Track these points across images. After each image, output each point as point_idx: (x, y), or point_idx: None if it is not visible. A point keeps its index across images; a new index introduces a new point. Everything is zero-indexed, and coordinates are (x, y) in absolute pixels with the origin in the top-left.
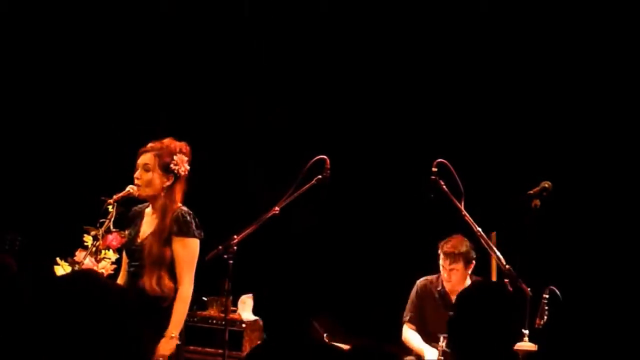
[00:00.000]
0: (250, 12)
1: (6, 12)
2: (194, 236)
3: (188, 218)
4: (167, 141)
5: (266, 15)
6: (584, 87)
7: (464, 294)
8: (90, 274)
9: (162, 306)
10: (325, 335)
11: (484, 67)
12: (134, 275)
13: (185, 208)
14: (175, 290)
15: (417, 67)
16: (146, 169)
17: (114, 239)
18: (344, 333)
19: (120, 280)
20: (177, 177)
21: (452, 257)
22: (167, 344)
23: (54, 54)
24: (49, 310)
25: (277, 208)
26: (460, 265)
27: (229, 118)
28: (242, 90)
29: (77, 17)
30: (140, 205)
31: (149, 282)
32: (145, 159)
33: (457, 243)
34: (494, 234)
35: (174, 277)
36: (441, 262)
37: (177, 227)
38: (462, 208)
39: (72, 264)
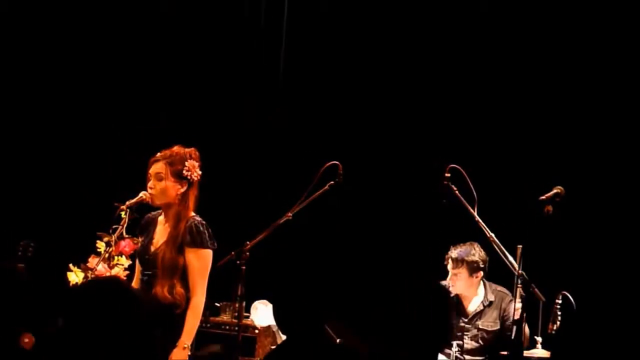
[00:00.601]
0: (250, 12)
1: (6, 13)
2: (207, 247)
3: (201, 228)
4: (176, 148)
5: (266, 15)
6: (597, 91)
7: None
8: (115, 280)
9: (175, 314)
10: (337, 339)
11: (497, 72)
12: (148, 284)
13: (198, 218)
14: (187, 298)
15: (430, 71)
16: (159, 177)
17: (127, 245)
18: (355, 336)
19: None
20: (190, 183)
21: (454, 262)
22: (180, 354)
23: (66, 60)
24: (72, 315)
25: (290, 214)
26: (462, 271)
27: (234, 120)
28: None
29: (77, 20)
30: (153, 213)
31: (162, 290)
32: (157, 168)
33: (464, 249)
34: (519, 247)
35: (186, 285)
36: (450, 267)
37: (190, 238)
38: (475, 213)
39: (85, 270)
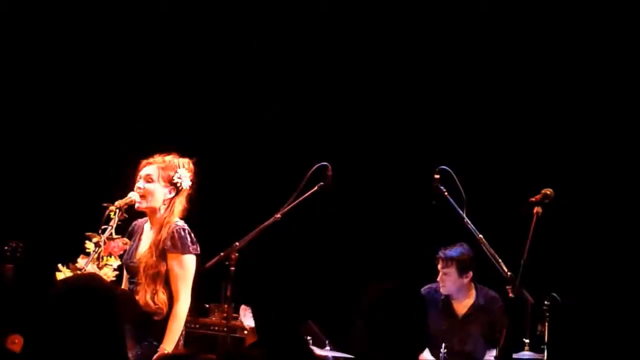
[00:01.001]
0: (251, 12)
1: (6, 13)
2: (189, 252)
3: (183, 234)
4: (171, 156)
5: (267, 15)
6: (587, 93)
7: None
8: (94, 277)
9: (154, 320)
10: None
11: (487, 73)
12: (132, 290)
13: (181, 223)
14: (169, 305)
15: (419, 72)
16: (148, 179)
17: (116, 245)
18: (328, 340)
19: None
20: (178, 190)
21: (444, 261)
22: None
23: (54, 58)
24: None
25: (278, 215)
26: (452, 271)
27: (229, 120)
28: (242, 91)
29: (76, 20)
30: (141, 220)
31: (144, 297)
32: (148, 170)
33: (453, 249)
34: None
35: (169, 292)
36: (440, 267)
37: (171, 243)
38: (464, 215)
39: (74, 270)
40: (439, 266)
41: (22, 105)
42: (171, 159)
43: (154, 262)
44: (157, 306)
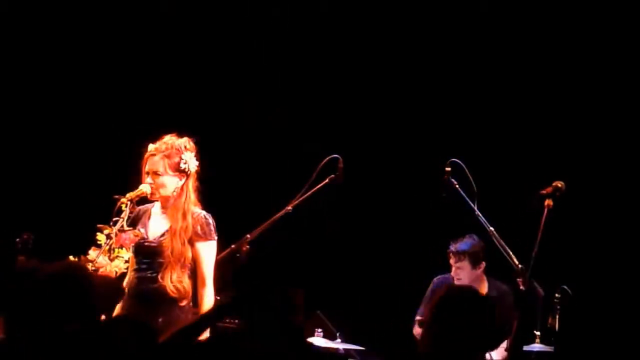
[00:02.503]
0: (252, 12)
1: (6, 13)
2: (212, 238)
3: (209, 220)
4: (169, 140)
5: (267, 15)
6: (598, 85)
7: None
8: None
9: (180, 305)
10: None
11: (496, 67)
12: (146, 271)
13: (203, 211)
14: (193, 290)
15: (429, 65)
16: (157, 173)
17: (128, 237)
18: (339, 333)
19: (127, 278)
20: (187, 175)
21: (456, 255)
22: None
23: (62, 53)
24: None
25: (289, 207)
26: (465, 264)
27: (232, 115)
28: (243, 87)
29: (76, 19)
30: (145, 205)
31: (170, 281)
32: (153, 164)
33: (464, 242)
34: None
35: (192, 276)
36: (452, 261)
37: (200, 230)
38: (475, 207)
39: (85, 262)
40: (452, 261)
41: (34, 99)
42: (172, 142)
43: (183, 249)
44: (184, 289)
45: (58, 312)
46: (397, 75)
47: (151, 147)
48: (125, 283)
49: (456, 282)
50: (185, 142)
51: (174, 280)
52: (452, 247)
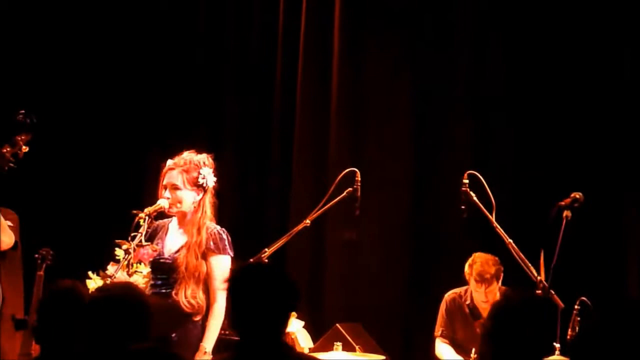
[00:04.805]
0: (249, 12)
1: (5, 11)
2: (227, 253)
3: (223, 235)
4: (188, 155)
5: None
6: (615, 95)
7: (499, 307)
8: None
9: (194, 320)
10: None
11: (514, 74)
12: (161, 287)
13: (218, 226)
14: (207, 306)
15: (444, 71)
16: (175, 188)
17: (146, 252)
18: (358, 346)
19: None
20: (205, 190)
21: (486, 282)
22: (201, 358)
23: (77, 69)
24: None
25: (308, 220)
26: (494, 286)
27: (254, 124)
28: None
29: (76, 22)
30: (163, 220)
31: (184, 296)
32: (172, 178)
33: (487, 265)
34: (542, 251)
35: (206, 292)
36: (473, 285)
37: (214, 245)
38: (493, 219)
39: (104, 277)
40: (481, 287)
41: (52, 113)
42: (191, 158)
43: (197, 263)
44: (198, 305)
45: (119, 333)
46: (408, 83)
47: (170, 162)
48: None
49: (482, 304)
50: (204, 158)
51: (188, 296)
52: (479, 274)
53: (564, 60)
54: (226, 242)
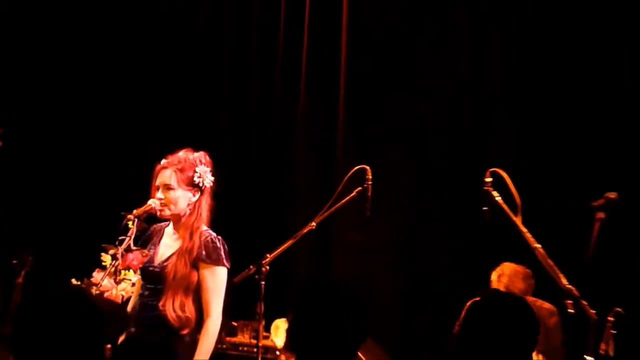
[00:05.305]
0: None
1: (5, 11)
2: (222, 264)
3: (218, 244)
4: (184, 154)
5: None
6: (618, 96)
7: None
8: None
9: (180, 334)
10: None
11: (543, 69)
12: (150, 297)
13: (214, 233)
14: (197, 319)
15: (468, 66)
16: (168, 187)
17: (135, 258)
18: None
19: (131, 302)
20: (201, 190)
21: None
22: None
23: (70, 70)
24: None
25: (314, 223)
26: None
27: (255, 121)
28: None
29: (75, 24)
30: (160, 224)
31: (171, 308)
32: (165, 177)
33: (516, 279)
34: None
35: (197, 304)
36: None
37: (205, 253)
38: (519, 222)
39: (89, 286)
40: None
41: (36, 113)
42: (186, 156)
43: (185, 271)
44: (185, 316)
45: (62, 341)
46: (431, 79)
47: (163, 160)
48: (129, 307)
49: None
50: (200, 156)
51: (176, 308)
52: (508, 288)
53: (563, 60)
54: (221, 252)
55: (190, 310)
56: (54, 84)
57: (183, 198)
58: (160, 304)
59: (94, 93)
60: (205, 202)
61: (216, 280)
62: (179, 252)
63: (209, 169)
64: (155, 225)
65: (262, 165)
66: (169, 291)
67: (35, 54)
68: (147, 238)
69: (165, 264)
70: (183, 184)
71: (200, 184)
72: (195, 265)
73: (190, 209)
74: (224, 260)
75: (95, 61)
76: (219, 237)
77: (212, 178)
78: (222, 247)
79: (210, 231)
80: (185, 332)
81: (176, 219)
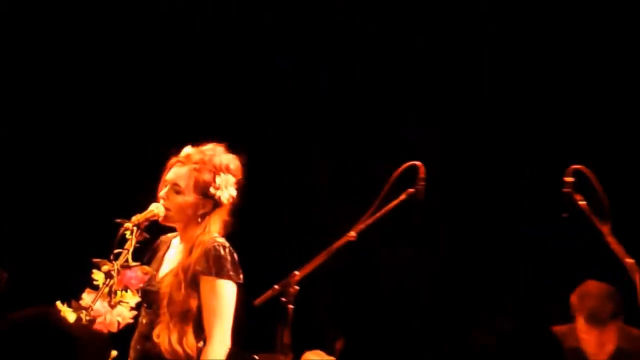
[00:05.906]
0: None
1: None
2: (228, 277)
3: (222, 252)
4: (210, 151)
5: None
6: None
7: None
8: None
9: None
10: None
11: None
12: (146, 325)
13: (221, 240)
14: (200, 350)
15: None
16: (177, 190)
17: (134, 276)
18: None
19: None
20: (216, 204)
21: (599, 322)
22: None
23: (67, 74)
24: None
25: (353, 233)
26: (611, 329)
27: (280, 121)
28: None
29: (75, 26)
30: (168, 235)
31: (166, 340)
32: (177, 175)
33: (600, 303)
34: None
35: (200, 332)
36: (582, 326)
37: (205, 264)
38: (607, 231)
39: (78, 309)
40: (590, 330)
41: (24, 117)
42: (211, 157)
43: (183, 296)
44: (186, 354)
45: None
46: (504, 69)
47: (184, 151)
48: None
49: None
50: (230, 160)
51: (172, 341)
52: (588, 313)
53: (564, 61)
54: (227, 263)
55: (190, 345)
56: (53, 83)
57: (189, 206)
58: (155, 333)
59: (94, 93)
60: (219, 217)
61: (218, 297)
62: (175, 271)
63: (234, 180)
64: (163, 237)
65: (262, 168)
66: (164, 318)
67: (35, 54)
68: (152, 253)
69: (161, 283)
70: (194, 191)
71: (215, 197)
72: (194, 285)
73: (197, 221)
74: (230, 273)
75: (95, 61)
76: (226, 244)
77: (235, 193)
78: (228, 257)
79: (218, 238)
80: None
81: (182, 227)
